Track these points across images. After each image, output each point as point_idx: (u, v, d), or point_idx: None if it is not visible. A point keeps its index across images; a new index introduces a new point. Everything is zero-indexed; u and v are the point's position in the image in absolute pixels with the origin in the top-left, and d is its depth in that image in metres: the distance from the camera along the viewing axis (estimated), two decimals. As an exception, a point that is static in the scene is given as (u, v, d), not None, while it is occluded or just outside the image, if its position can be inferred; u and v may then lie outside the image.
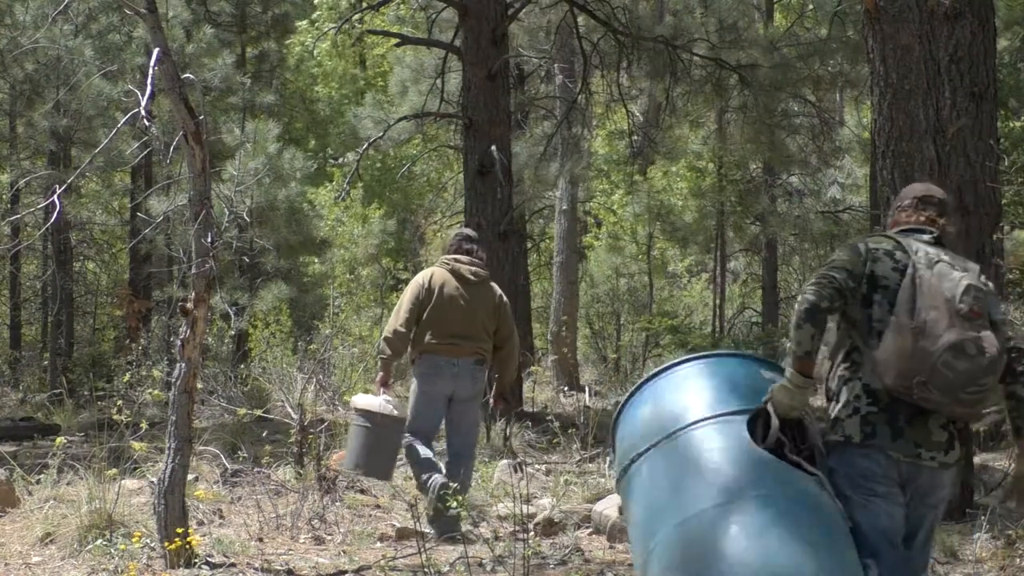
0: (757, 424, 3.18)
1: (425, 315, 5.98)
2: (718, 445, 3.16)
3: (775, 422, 3.15)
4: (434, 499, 5.67)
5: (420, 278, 6.14)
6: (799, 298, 3.22)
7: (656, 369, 3.50)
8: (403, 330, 5.97)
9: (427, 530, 5.71)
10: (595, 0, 11.99)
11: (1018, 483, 3.38)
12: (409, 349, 6.07)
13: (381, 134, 12.70)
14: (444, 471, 5.87)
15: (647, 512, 3.24)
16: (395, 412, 5.86)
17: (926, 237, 3.30)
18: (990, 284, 3.29)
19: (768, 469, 3.09)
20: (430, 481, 5.76)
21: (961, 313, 3.08)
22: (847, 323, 3.27)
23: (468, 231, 6.56)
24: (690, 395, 3.33)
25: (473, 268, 6.13)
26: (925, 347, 3.04)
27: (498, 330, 6.14)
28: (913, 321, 3.08)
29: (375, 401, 5.88)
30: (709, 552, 2.97)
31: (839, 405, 3.25)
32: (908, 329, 3.08)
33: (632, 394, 3.49)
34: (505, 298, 6.26)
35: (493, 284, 6.26)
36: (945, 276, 3.14)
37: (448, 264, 6.13)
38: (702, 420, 3.23)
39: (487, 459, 8.16)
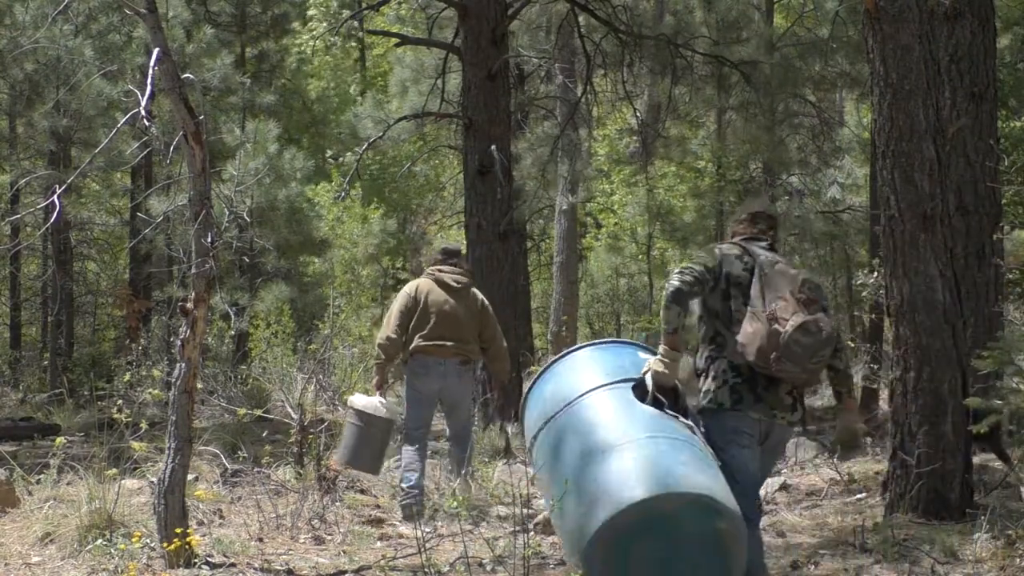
0: (639, 391, 3.95)
1: (414, 321, 6.57)
2: (611, 405, 3.95)
3: (651, 387, 3.91)
4: (401, 497, 6.40)
5: (408, 288, 6.78)
6: (665, 285, 3.99)
7: (554, 358, 4.32)
8: (395, 336, 6.56)
9: (427, 530, 5.73)
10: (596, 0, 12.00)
11: (842, 435, 4.32)
12: (401, 353, 6.65)
13: (381, 134, 12.69)
14: (422, 471, 6.49)
15: (557, 460, 3.95)
16: (385, 413, 6.42)
17: (763, 244, 4.14)
18: (816, 279, 4.15)
19: (652, 418, 3.86)
20: (403, 482, 6.42)
21: (801, 301, 3.90)
22: (709, 315, 4.07)
23: (451, 245, 7.23)
24: (584, 373, 4.10)
25: (455, 276, 6.73)
26: (777, 329, 3.83)
27: (482, 332, 6.73)
28: (766, 310, 3.88)
29: (370, 402, 6.46)
30: (611, 473, 3.71)
31: (709, 379, 4.03)
32: (763, 316, 3.87)
33: (536, 379, 4.28)
34: (487, 303, 6.84)
35: (475, 290, 6.86)
36: (785, 273, 3.98)
37: (433, 274, 6.75)
38: (596, 388, 3.99)
39: (487, 459, 8.17)
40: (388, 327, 6.62)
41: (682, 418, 3.90)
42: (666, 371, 3.94)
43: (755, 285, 3.95)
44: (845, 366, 4.17)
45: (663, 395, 3.92)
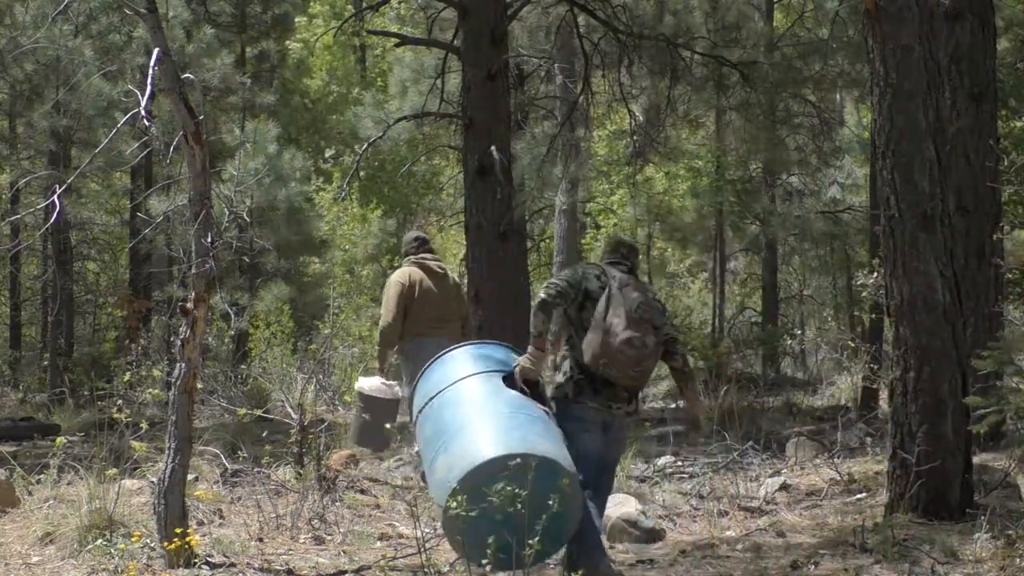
0: (508, 382, 4.66)
1: (411, 307, 7.22)
2: (482, 387, 4.67)
3: (519, 380, 4.65)
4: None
5: (399, 277, 7.39)
6: (537, 296, 4.73)
7: (437, 355, 4.96)
8: (395, 323, 7.23)
9: (427, 530, 5.72)
10: (595, 0, 11.99)
11: (687, 421, 5.27)
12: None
13: (381, 134, 12.69)
14: None
15: (434, 431, 4.64)
16: (389, 394, 6.88)
17: (623, 267, 4.87)
18: (660, 302, 4.87)
19: (515, 398, 4.60)
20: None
21: (634, 319, 4.61)
22: (567, 321, 4.80)
23: (420, 232, 7.91)
24: (463, 364, 4.81)
25: (438, 263, 7.54)
26: (609, 340, 4.58)
27: (459, 312, 7.55)
28: (605, 323, 4.60)
29: (374, 383, 6.93)
30: (476, 434, 4.44)
31: (560, 373, 4.81)
32: (601, 327, 4.60)
33: (423, 371, 4.94)
34: (460, 284, 7.68)
35: (450, 273, 7.67)
36: (628, 295, 4.67)
37: (419, 262, 7.43)
38: (470, 375, 4.72)
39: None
40: (388, 313, 7.22)
41: (540, 404, 4.66)
42: (531, 367, 4.67)
43: (602, 301, 4.67)
44: (683, 366, 4.97)
45: (527, 386, 4.67)
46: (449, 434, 4.51)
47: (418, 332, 7.15)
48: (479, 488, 4.21)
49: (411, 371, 7.07)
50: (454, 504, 4.19)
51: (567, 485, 4.32)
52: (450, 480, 4.32)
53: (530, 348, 4.69)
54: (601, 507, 4.88)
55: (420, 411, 4.81)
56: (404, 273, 7.39)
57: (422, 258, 7.45)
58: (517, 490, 4.12)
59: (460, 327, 7.46)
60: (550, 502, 4.20)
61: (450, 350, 4.97)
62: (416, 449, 5.42)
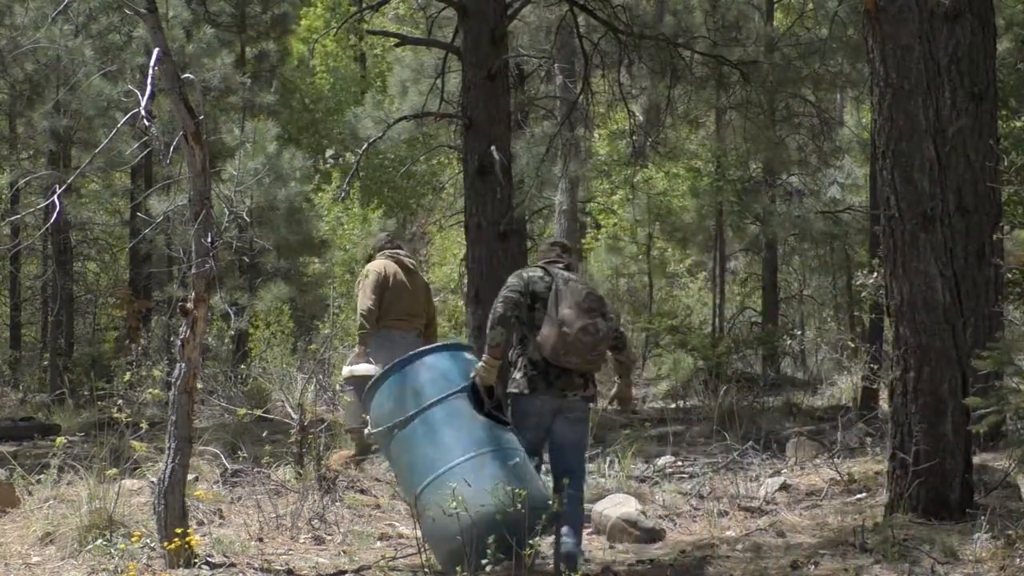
0: (469, 390, 5.03)
1: (384, 297, 7.58)
2: (451, 420, 4.98)
3: (480, 386, 5.04)
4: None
5: (377, 267, 7.73)
6: (493, 308, 5.11)
7: (402, 357, 5.26)
8: (375, 308, 7.56)
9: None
10: (595, 0, 11.99)
11: (617, 393, 5.58)
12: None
13: (381, 134, 12.69)
14: None
15: (412, 465, 4.99)
16: (373, 371, 7.01)
17: (561, 265, 5.28)
18: (598, 293, 5.24)
19: (486, 430, 4.94)
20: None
21: (584, 309, 5.01)
22: (519, 323, 5.16)
23: (392, 229, 8.16)
24: (430, 380, 5.08)
25: (410, 259, 7.94)
26: (566, 331, 4.98)
27: (427, 309, 7.89)
28: (558, 316, 5.01)
29: (357, 367, 7.29)
30: (486, 491, 4.71)
31: (515, 371, 5.18)
32: (556, 322, 5.00)
33: (386, 375, 5.21)
34: (427, 282, 8.04)
35: (419, 271, 8.12)
36: (574, 288, 5.09)
37: (394, 256, 7.81)
38: (438, 401, 5.00)
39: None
40: (367, 299, 7.57)
41: (503, 417, 5.06)
42: (487, 376, 5.05)
43: (551, 298, 5.08)
44: (626, 357, 5.49)
45: (485, 392, 5.05)
46: (433, 471, 4.89)
47: (387, 324, 7.48)
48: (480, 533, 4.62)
49: (376, 359, 7.37)
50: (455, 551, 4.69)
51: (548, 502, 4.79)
52: (452, 529, 4.70)
53: (486, 357, 5.06)
54: (578, 489, 5.20)
55: (390, 428, 5.08)
56: (380, 264, 7.76)
57: (395, 252, 7.85)
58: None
59: (426, 325, 7.83)
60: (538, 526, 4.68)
61: (419, 357, 5.22)
62: (387, 462, 5.66)
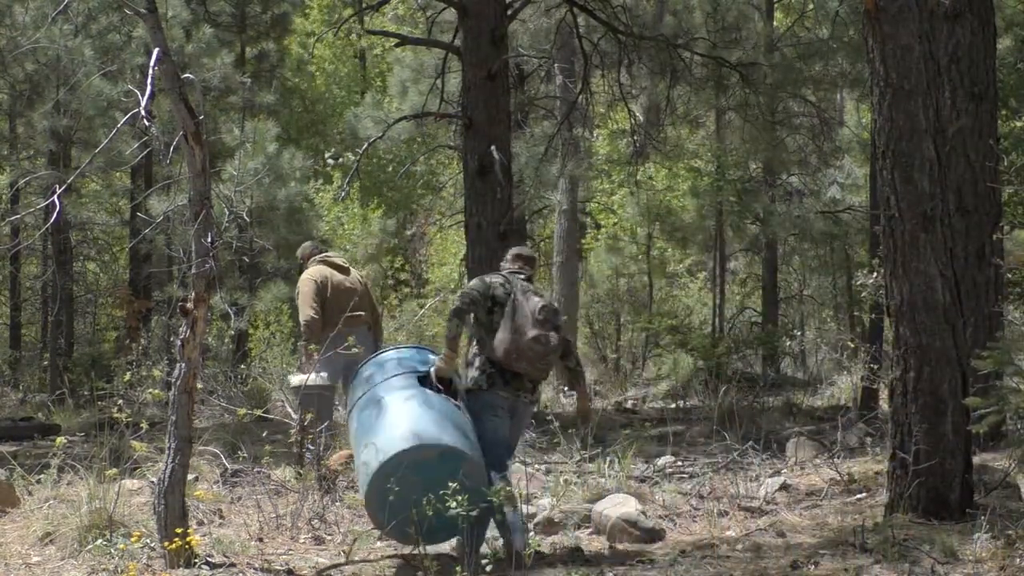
0: (426, 380, 5.45)
1: (326, 302, 7.77)
2: (404, 389, 5.41)
3: (434, 378, 5.43)
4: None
5: (312, 275, 7.91)
6: (452, 303, 5.62)
7: (375, 352, 6.01)
8: (317, 316, 7.76)
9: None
10: (595, 0, 11.99)
11: (578, 413, 6.06)
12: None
13: (381, 134, 12.69)
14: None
15: (360, 427, 5.45)
16: (325, 381, 7.48)
17: (522, 276, 5.68)
18: (556, 305, 5.78)
19: (432, 399, 5.34)
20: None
21: (538, 320, 5.42)
22: (478, 324, 5.55)
23: (315, 240, 8.49)
24: (391, 364, 5.61)
25: (342, 260, 8.15)
26: (518, 339, 5.37)
27: (371, 307, 8.08)
28: (513, 324, 5.39)
29: (306, 377, 7.32)
30: (392, 429, 5.21)
31: (473, 368, 5.55)
32: (511, 328, 5.39)
33: (356, 372, 5.80)
34: (367, 279, 8.33)
35: (355, 270, 8.29)
36: (531, 300, 5.48)
37: (325, 260, 8.02)
38: (396, 374, 5.52)
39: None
40: (308, 308, 7.76)
41: (453, 400, 5.39)
42: (446, 367, 5.44)
43: (509, 306, 5.45)
44: (576, 365, 5.83)
45: (442, 383, 5.43)
46: (373, 430, 5.28)
47: (332, 326, 7.53)
48: (393, 475, 4.99)
49: (326, 363, 7.47)
50: (376, 487, 5.02)
51: (468, 468, 5.07)
52: (371, 470, 5.08)
53: (445, 351, 5.50)
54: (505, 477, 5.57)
55: (352, 407, 5.66)
56: (314, 271, 7.93)
57: (326, 256, 8.06)
58: (426, 475, 4.96)
59: (370, 323, 8.02)
60: (453, 484, 4.87)
61: (379, 353, 5.83)
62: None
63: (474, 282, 5.69)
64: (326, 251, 8.24)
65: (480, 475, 5.11)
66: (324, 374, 7.54)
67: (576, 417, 6.25)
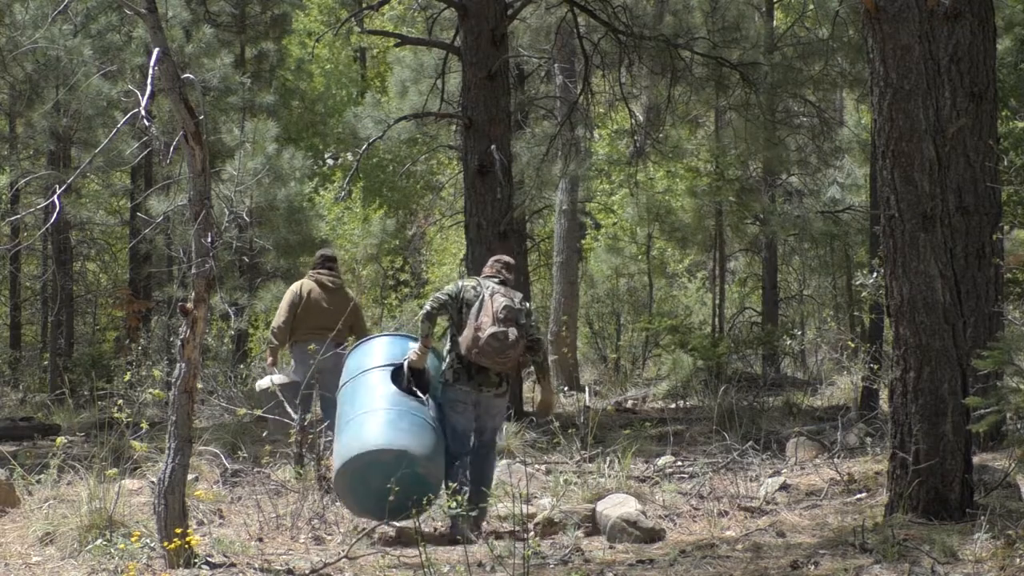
0: (399, 371, 6.18)
1: (298, 313, 8.31)
2: (380, 385, 6.17)
3: (407, 370, 6.16)
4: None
5: (295, 287, 8.51)
6: (424, 305, 6.25)
7: (358, 341, 6.89)
8: (284, 326, 8.35)
9: (426, 531, 5.73)
10: (596, 0, 11.99)
11: (541, 406, 6.65)
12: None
13: (381, 134, 12.69)
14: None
15: (343, 408, 6.24)
16: (285, 380, 7.92)
17: (497, 280, 6.26)
18: (525, 305, 6.26)
19: (394, 396, 6.11)
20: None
21: (500, 318, 5.99)
22: (452, 324, 6.19)
23: (328, 251, 8.91)
24: (373, 355, 6.39)
25: (331, 278, 8.52)
26: (479, 335, 5.95)
27: (353, 326, 8.45)
28: (476, 322, 5.99)
29: (269, 379, 7.89)
30: (360, 428, 6.01)
31: (444, 363, 6.20)
32: (473, 326, 5.98)
33: (351, 351, 6.60)
34: (358, 303, 8.67)
35: (348, 290, 8.91)
36: (496, 300, 6.05)
37: (313, 276, 8.50)
38: (373, 368, 6.27)
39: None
40: (279, 317, 8.37)
41: (420, 393, 6.10)
42: (417, 360, 6.15)
43: (475, 305, 6.06)
44: (543, 361, 6.39)
45: (414, 375, 6.15)
46: (346, 424, 6.09)
47: (298, 338, 8.21)
48: (356, 472, 5.84)
49: (299, 364, 8.15)
50: (343, 481, 5.91)
51: (423, 469, 5.81)
52: (339, 462, 5.93)
53: (418, 345, 6.18)
54: (485, 468, 6.26)
55: (342, 387, 6.38)
56: (299, 284, 8.51)
57: (318, 273, 8.53)
58: (383, 474, 5.58)
59: (343, 334, 8.30)
60: (412, 481, 5.58)
61: (367, 339, 6.69)
62: None
63: (448, 286, 6.31)
64: (327, 267, 8.61)
65: (433, 472, 5.89)
66: (292, 373, 8.20)
67: (538, 409, 6.81)
